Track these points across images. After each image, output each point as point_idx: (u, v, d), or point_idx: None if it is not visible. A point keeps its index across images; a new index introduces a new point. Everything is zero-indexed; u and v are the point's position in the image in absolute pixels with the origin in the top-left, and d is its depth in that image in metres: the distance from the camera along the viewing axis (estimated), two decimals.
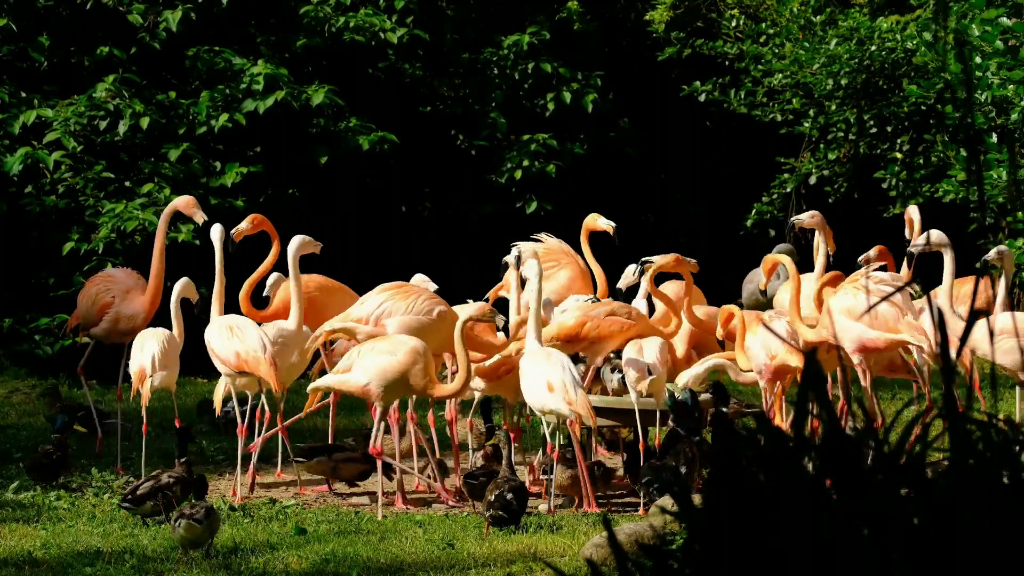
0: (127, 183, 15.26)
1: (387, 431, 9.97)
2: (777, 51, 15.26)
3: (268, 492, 9.78)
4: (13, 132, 15.11)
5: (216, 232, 10.19)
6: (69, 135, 15.09)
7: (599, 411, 9.59)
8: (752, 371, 9.33)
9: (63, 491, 9.33)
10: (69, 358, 14.64)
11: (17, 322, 15.04)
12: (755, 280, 12.40)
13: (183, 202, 10.96)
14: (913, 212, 10.71)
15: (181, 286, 10.13)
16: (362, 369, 8.79)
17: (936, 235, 9.28)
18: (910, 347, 9.29)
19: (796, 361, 8.99)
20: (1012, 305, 15.15)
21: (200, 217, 10.84)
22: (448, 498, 9.41)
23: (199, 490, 7.99)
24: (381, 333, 9.23)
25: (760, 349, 9.15)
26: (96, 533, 8.14)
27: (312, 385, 9.30)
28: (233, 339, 9.54)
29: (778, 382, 9.31)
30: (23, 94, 15.53)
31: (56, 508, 8.90)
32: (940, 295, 9.24)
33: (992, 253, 9.59)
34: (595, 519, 8.63)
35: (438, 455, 9.92)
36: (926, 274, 10.07)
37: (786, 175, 15.94)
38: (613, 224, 10.75)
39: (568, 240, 11.13)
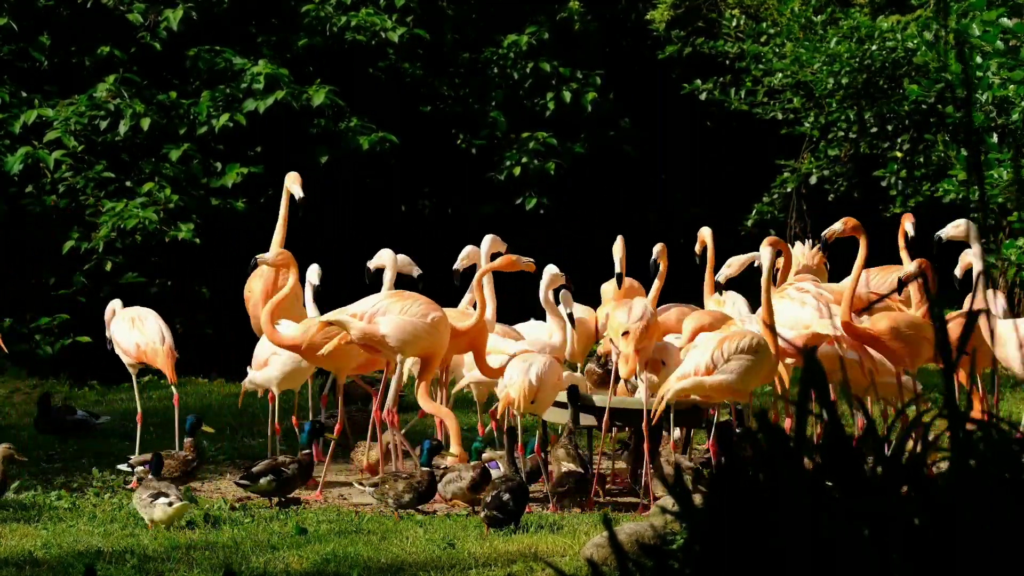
0: (127, 183, 15.25)
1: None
2: (778, 50, 15.25)
3: None
4: (14, 132, 15.11)
5: None
6: (70, 135, 15.08)
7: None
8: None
9: (64, 491, 9.32)
10: (69, 358, 14.64)
11: (17, 322, 15.03)
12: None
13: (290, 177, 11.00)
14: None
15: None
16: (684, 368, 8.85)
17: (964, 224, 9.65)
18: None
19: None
20: (1013, 305, 15.17)
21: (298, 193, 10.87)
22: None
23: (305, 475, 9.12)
24: (373, 329, 9.21)
25: None
26: (97, 533, 8.13)
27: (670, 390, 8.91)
28: (134, 330, 9.67)
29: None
30: (23, 94, 15.52)
31: (57, 508, 8.89)
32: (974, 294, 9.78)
33: (949, 229, 9.65)
34: (596, 519, 8.63)
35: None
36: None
37: (787, 175, 15.93)
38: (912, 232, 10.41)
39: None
